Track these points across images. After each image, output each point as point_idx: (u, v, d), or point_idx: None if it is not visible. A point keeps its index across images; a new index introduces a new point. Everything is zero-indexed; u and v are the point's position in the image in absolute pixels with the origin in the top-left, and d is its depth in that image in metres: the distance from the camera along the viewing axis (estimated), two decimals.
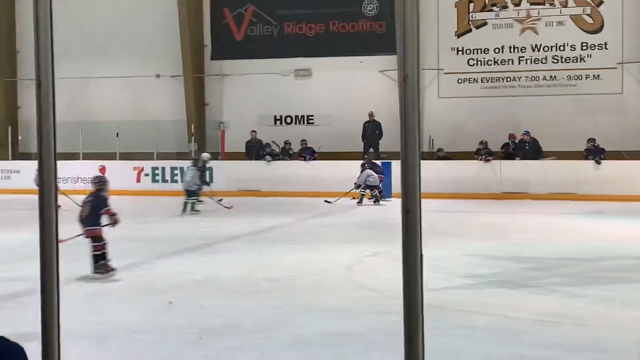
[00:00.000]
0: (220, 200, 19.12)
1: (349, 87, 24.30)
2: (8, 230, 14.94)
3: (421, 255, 2.37)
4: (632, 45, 22.42)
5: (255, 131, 24.52)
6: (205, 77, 25.84)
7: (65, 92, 24.13)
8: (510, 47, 23.41)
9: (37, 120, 2.49)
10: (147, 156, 24.30)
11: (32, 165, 19.78)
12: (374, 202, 20.32)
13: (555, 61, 23.13)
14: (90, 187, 10.78)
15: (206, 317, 7.92)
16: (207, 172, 20.63)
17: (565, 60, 23.04)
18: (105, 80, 25.79)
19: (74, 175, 22.36)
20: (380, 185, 20.68)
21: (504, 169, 21.48)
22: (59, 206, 2.54)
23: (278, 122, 25.30)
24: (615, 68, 22.61)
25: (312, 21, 24.88)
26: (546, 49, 23.18)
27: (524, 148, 22.10)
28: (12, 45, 26.77)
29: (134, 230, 14.12)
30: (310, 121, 25.03)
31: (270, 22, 25.23)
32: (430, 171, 18.46)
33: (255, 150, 24.09)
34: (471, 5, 23.64)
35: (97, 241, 10.10)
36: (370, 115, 23.44)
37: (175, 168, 23.64)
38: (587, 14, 22.91)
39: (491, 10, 23.53)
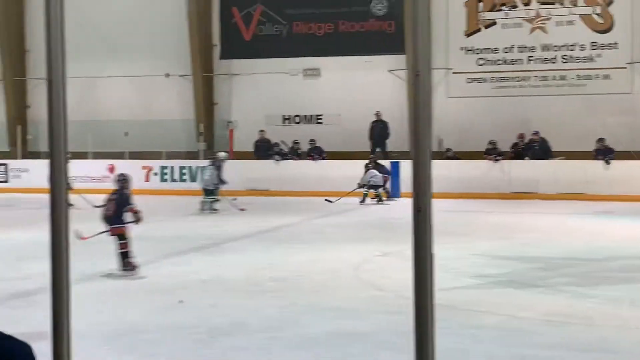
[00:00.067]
0: (235, 199, 19.11)
1: (357, 87, 24.25)
2: (18, 229, 14.99)
3: (432, 254, 2.34)
4: None
5: (263, 130, 24.53)
6: (214, 76, 25.86)
7: (75, 91, 24.08)
8: (519, 47, 23.33)
9: (48, 118, 2.49)
10: (156, 155, 24.33)
11: (42, 164, 19.80)
12: (377, 201, 20.33)
13: (565, 61, 23.05)
14: (113, 186, 10.72)
15: (212, 317, 7.92)
16: (224, 171, 20.60)
17: (575, 60, 22.97)
18: (114, 79, 25.83)
19: (83, 175, 22.42)
20: (387, 185, 20.63)
21: (513, 169, 21.44)
22: (71, 205, 2.55)
23: (287, 121, 25.29)
24: (625, 68, 22.52)
25: (321, 21, 24.84)
26: (556, 48, 23.10)
27: (533, 148, 22.03)
28: (22, 45, 26.83)
29: (142, 230, 14.08)
30: (319, 121, 25.01)
31: (279, 21, 25.22)
32: (439, 171, 18.37)
33: (264, 149, 24.10)
34: (480, 4, 23.57)
35: (123, 239, 10.12)
36: (377, 114, 23.41)
37: (184, 167, 23.68)
38: (597, 14, 22.82)
39: (500, 10, 23.46)
